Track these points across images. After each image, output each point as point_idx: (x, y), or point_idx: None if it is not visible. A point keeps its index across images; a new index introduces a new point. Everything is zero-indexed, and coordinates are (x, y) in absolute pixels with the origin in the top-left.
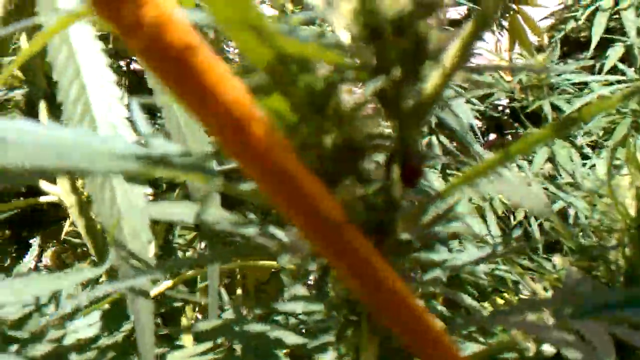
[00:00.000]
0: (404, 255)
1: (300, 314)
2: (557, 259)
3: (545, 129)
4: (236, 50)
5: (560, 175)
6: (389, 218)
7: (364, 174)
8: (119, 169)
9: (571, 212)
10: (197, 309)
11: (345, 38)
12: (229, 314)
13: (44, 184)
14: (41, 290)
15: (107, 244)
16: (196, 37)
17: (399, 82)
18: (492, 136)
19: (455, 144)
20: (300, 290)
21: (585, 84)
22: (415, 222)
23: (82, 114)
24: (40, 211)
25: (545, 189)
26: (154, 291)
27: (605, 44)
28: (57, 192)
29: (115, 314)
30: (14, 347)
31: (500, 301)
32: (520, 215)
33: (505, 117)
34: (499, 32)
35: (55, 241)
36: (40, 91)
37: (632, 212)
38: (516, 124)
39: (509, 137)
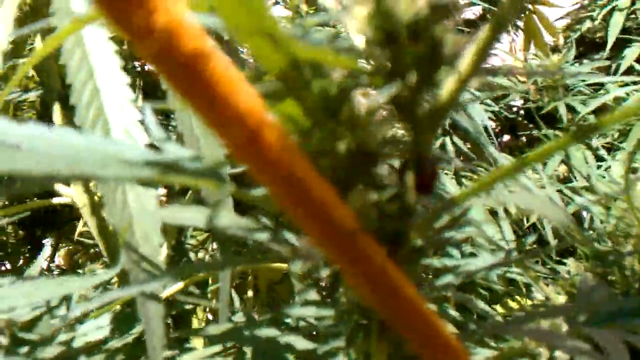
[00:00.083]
0: (417, 262)
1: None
2: (571, 264)
3: (563, 136)
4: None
5: (575, 178)
6: (403, 225)
7: (378, 180)
8: (130, 176)
9: (586, 215)
10: (208, 310)
11: (360, 42)
12: (239, 317)
13: (57, 185)
14: (52, 293)
15: (119, 245)
16: (208, 42)
17: (414, 88)
18: (507, 137)
19: (469, 145)
20: (312, 294)
21: (601, 84)
22: (428, 228)
23: (95, 116)
24: (53, 212)
25: (560, 191)
26: (165, 293)
27: (621, 44)
28: (70, 193)
29: (126, 316)
30: (24, 349)
31: (512, 304)
32: (533, 218)
33: (520, 118)
34: (514, 32)
35: (68, 241)
36: (55, 93)
37: None
38: (531, 125)
39: (524, 138)
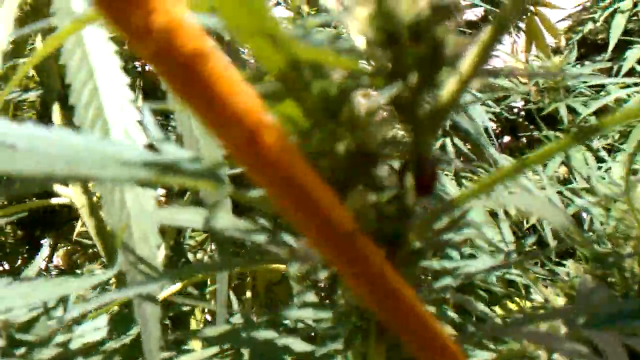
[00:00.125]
0: (415, 264)
1: (309, 321)
2: (570, 266)
3: (563, 137)
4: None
5: (575, 179)
6: (401, 227)
7: (377, 181)
8: (128, 177)
9: (586, 217)
10: (206, 311)
11: (361, 43)
12: (237, 318)
13: (56, 186)
14: (49, 294)
15: (117, 245)
16: (207, 43)
17: (415, 89)
18: (507, 138)
19: (469, 146)
20: (310, 296)
21: (602, 86)
22: (427, 229)
23: (95, 117)
24: (52, 212)
25: (559, 192)
26: (163, 294)
27: (623, 46)
28: (68, 193)
29: (123, 317)
30: (21, 351)
31: (511, 305)
32: (533, 219)
33: (521, 120)
34: (516, 34)
35: (66, 241)
36: (54, 93)
37: None
38: (532, 127)
39: (524, 139)
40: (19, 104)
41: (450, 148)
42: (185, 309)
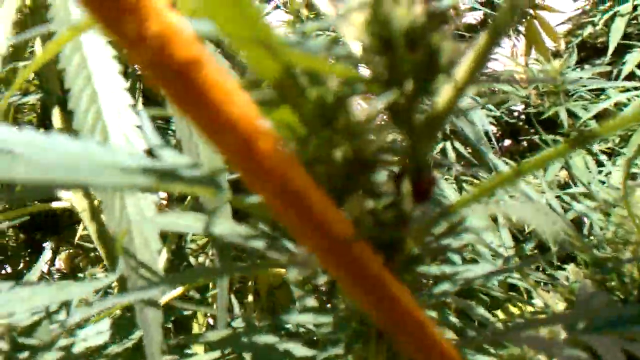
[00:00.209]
0: (414, 270)
1: (310, 326)
2: (570, 270)
3: (561, 142)
4: None
5: (575, 184)
6: (399, 233)
7: (374, 188)
8: (127, 184)
9: (586, 221)
10: (208, 315)
11: (357, 49)
12: (239, 322)
13: (57, 190)
14: (51, 298)
15: (117, 251)
16: (202, 50)
17: (411, 95)
18: (508, 142)
19: (469, 150)
20: (310, 301)
21: (602, 90)
22: (426, 235)
23: (94, 122)
24: (54, 215)
25: (558, 197)
26: (165, 298)
27: (622, 50)
28: (69, 197)
29: (126, 322)
30: (24, 355)
31: (513, 309)
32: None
33: (521, 123)
34: (516, 37)
35: (68, 245)
36: (54, 96)
37: None
38: (532, 130)
39: (524, 143)
40: (20, 107)
41: (450, 152)
42: (187, 312)
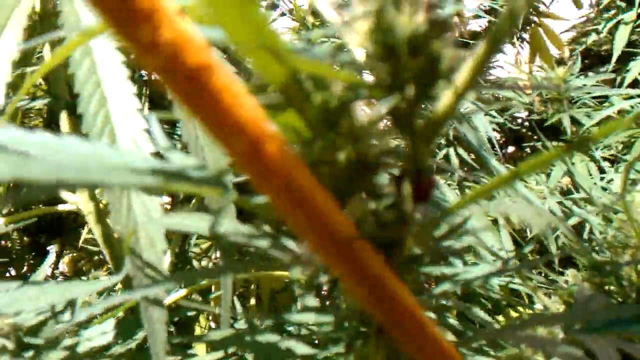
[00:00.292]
0: (414, 270)
1: (311, 325)
2: (569, 274)
3: (558, 147)
4: None
5: (578, 191)
6: (400, 234)
7: (376, 189)
8: (136, 184)
9: (587, 226)
10: (210, 318)
11: (361, 56)
12: (241, 324)
13: (62, 193)
14: (57, 297)
15: (123, 252)
16: (212, 56)
17: (412, 101)
18: (511, 149)
19: (473, 156)
20: (312, 301)
21: (606, 97)
22: (426, 236)
23: (102, 125)
24: (58, 218)
25: (560, 203)
26: (168, 300)
27: (626, 58)
28: (75, 200)
29: (130, 322)
30: (30, 354)
31: (514, 314)
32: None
33: (524, 130)
34: (520, 45)
35: (72, 248)
36: (62, 101)
37: None
38: (535, 137)
39: (528, 149)
40: (27, 111)
41: (454, 158)
42: (190, 314)
